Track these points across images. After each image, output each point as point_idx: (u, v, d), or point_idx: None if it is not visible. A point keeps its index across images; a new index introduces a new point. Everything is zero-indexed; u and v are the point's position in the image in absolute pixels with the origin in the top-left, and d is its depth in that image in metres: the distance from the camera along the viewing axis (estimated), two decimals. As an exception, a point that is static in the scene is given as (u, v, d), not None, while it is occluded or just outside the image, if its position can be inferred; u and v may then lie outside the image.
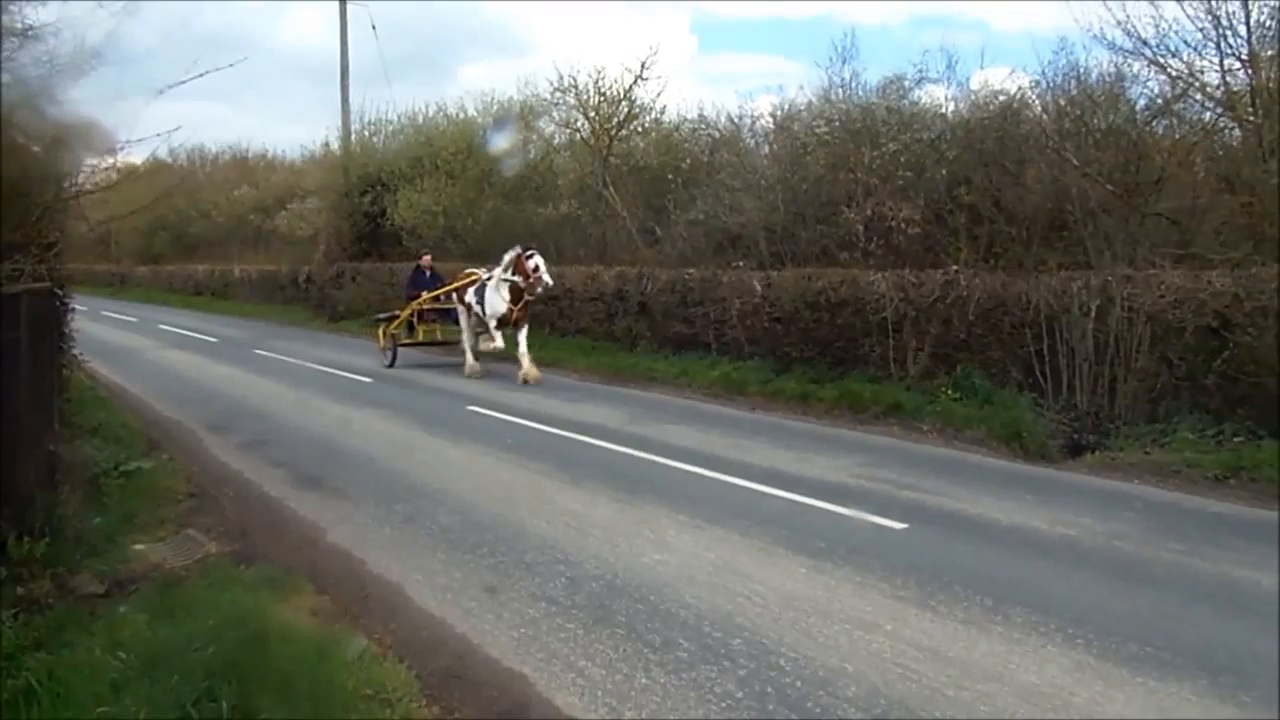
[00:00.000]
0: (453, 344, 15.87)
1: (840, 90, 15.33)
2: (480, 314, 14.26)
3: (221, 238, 34.05)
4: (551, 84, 19.22)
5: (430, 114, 24.59)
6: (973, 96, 14.46)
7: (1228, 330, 8.97)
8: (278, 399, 12.60)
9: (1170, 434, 8.94)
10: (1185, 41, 11.43)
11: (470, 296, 14.55)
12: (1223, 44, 11.15)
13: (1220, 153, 11.91)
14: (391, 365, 15.48)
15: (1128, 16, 11.57)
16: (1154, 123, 12.56)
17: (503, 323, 13.81)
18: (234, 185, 34.19)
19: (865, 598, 5.20)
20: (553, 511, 7.07)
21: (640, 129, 19.04)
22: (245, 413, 11.55)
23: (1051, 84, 13.15)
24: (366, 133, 26.01)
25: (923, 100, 14.88)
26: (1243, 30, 10.95)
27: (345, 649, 4.50)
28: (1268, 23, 10.81)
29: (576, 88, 18.60)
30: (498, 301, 13.86)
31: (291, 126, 76.28)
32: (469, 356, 14.73)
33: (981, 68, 21.10)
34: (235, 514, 7.16)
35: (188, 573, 5.66)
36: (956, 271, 11.26)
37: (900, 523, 6.63)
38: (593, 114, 18.44)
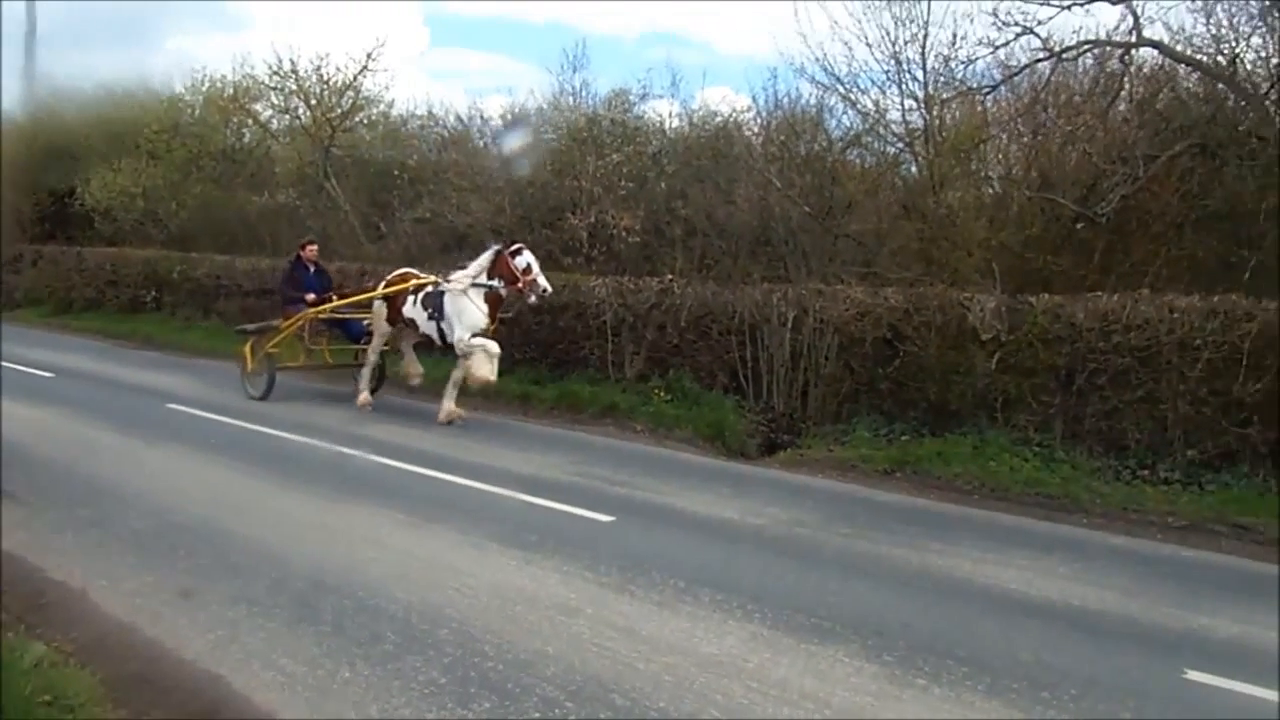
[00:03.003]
0: (350, 368, 12.21)
1: (570, 98, 15.78)
2: (436, 334, 10.74)
3: None
4: (270, 66, 18.34)
5: (131, 87, 22.65)
6: (692, 115, 15.40)
7: (899, 341, 10.09)
8: (-64, 394, 11.17)
9: (850, 433, 9.95)
10: (872, 81, 12.80)
11: (413, 309, 10.90)
12: (903, 86, 12.58)
13: (900, 183, 13.38)
14: (265, 396, 11.50)
15: (824, 54, 12.78)
16: (847, 152, 13.90)
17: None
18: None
19: (570, 586, 5.45)
20: (260, 512, 6.82)
21: (366, 121, 18.59)
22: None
23: (762, 110, 14.26)
24: (55, 102, 23.55)
25: (647, 114, 15.65)
26: (920, 74, 12.41)
27: (21, 656, 4.16)
28: (940, 69, 12.30)
29: (297, 73, 17.84)
30: (473, 312, 10.30)
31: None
32: (364, 385, 11.33)
33: (703, 87, 22.46)
34: (-121, 522, 6.34)
35: None
36: (671, 280, 11.89)
37: (609, 515, 6.96)
38: (314, 101, 17.75)
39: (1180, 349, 8.54)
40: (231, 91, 19.74)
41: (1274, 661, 4.71)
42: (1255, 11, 10.54)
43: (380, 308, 11.27)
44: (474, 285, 10.35)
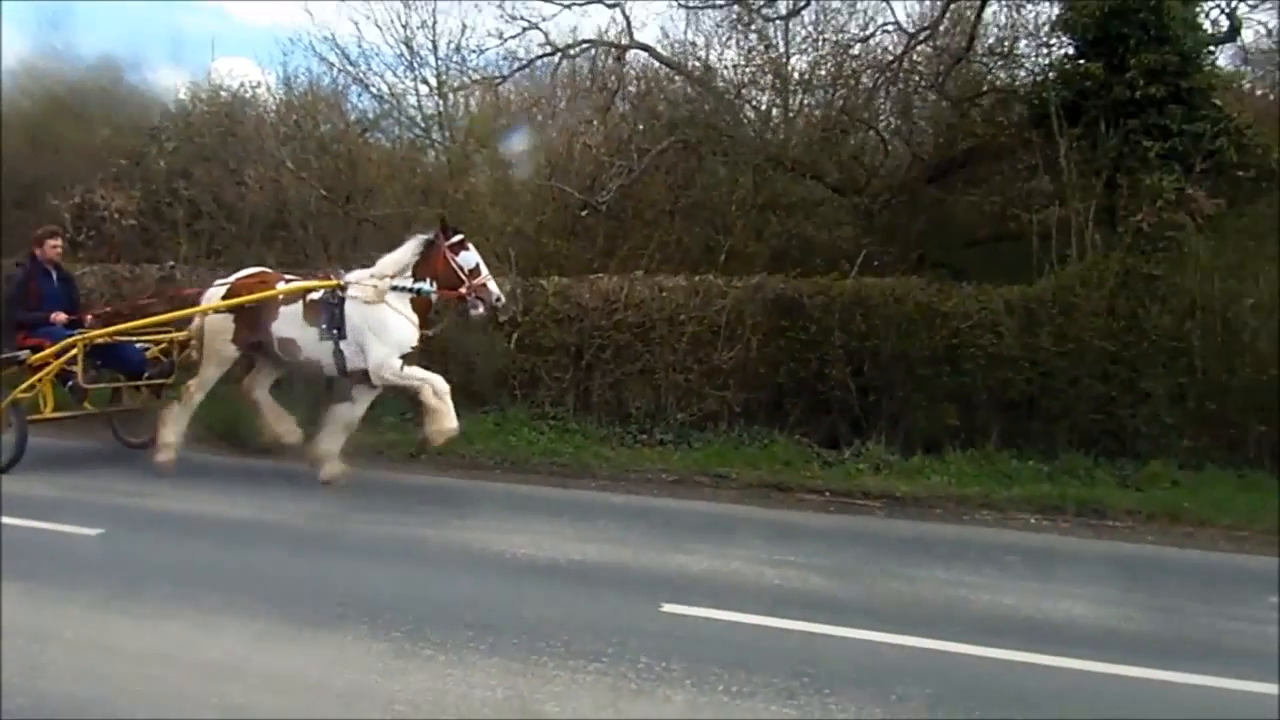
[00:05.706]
0: (117, 413, 8.81)
1: (50, 61, 13.91)
2: (333, 362, 7.70)
3: None
4: None
5: None
6: (198, 89, 14.25)
7: (424, 326, 10.10)
8: None
9: (378, 419, 9.77)
10: (386, 64, 12.80)
11: (288, 325, 7.76)
12: (416, 71, 12.73)
13: (419, 169, 13.48)
14: (11, 465, 7.67)
15: (333, 34, 12.54)
16: (366, 135, 13.71)
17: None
18: None
19: (45, 610, 4.79)
20: None
21: None
22: None
23: (275, 87, 13.59)
24: None
25: (147, 84, 14.24)
26: (433, 60, 12.63)
27: None
28: (452, 56, 12.63)
29: None
30: (402, 325, 7.59)
31: None
32: (171, 436, 7.94)
33: (213, 59, 20.80)
34: None
35: None
36: (174, 267, 10.93)
37: (96, 529, 6.25)
38: None
39: (670, 324, 9.57)
40: None
41: (739, 587, 5.48)
42: (731, 22, 12.15)
43: (219, 326, 8.00)
44: (395, 289, 7.64)
